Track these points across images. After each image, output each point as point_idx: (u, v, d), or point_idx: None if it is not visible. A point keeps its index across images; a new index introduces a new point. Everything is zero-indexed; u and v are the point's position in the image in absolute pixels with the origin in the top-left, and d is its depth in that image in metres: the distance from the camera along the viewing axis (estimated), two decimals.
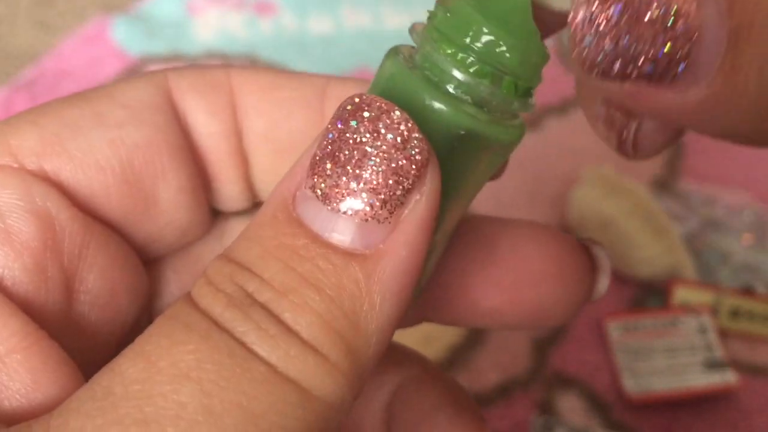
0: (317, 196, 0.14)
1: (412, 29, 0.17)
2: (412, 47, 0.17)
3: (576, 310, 0.19)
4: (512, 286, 0.18)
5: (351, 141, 0.14)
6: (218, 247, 0.20)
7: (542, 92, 0.61)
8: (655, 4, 0.13)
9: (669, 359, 0.38)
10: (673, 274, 0.42)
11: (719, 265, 0.43)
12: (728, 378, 0.38)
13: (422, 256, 0.15)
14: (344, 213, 0.14)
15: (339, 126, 0.14)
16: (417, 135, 0.14)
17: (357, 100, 0.14)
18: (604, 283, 0.19)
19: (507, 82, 0.16)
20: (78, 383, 0.16)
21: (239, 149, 0.19)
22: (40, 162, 0.17)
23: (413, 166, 0.14)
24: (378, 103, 0.14)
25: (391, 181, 0.14)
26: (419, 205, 0.14)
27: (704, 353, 0.39)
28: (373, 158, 0.14)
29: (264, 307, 0.14)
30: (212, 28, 0.58)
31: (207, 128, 0.18)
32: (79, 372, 0.16)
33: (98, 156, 0.17)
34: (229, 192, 0.19)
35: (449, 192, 0.16)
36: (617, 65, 0.14)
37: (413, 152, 0.14)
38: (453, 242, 0.18)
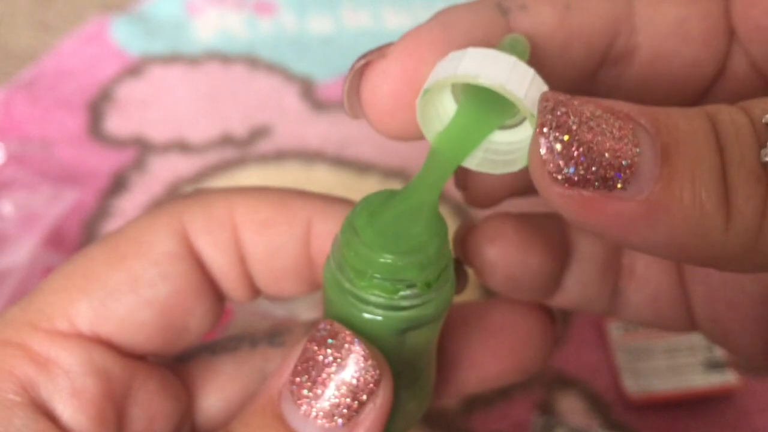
0: (294, 400, 0.19)
1: (334, 244, 0.20)
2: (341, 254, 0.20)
3: (550, 354, 0.25)
4: (510, 351, 0.23)
5: (320, 363, 0.19)
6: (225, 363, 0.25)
7: None
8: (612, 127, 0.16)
9: (669, 359, 0.38)
10: None
11: None
12: (728, 378, 0.38)
13: None
14: (313, 417, 0.18)
15: (314, 347, 0.19)
16: (371, 362, 0.18)
17: (329, 327, 0.19)
18: (560, 329, 0.25)
19: (420, 284, 0.19)
20: None
21: (244, 272, 0.23)
22: (94, 328, 0.21)
23: (367, 386, 0.18)
24: (342, 334, 0.19)
25: (348, 399, 0.18)
26: (371, 413, 0.19)
27: (704, 353, 0.39)
28: (335, 378, 0.18)
29: None
30: (212, 28, 0.58)
31: (217, 261, 0.22)
32: None
33: (139, 317, 0.21)
34: (237, 297, 0.23)
35: (417, 352, 0.21)
36: (580, 170, 0.16)
37: (367, 376, 0.18)
38: (449, 336, 0.22)
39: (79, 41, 0.56)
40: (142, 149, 0.49)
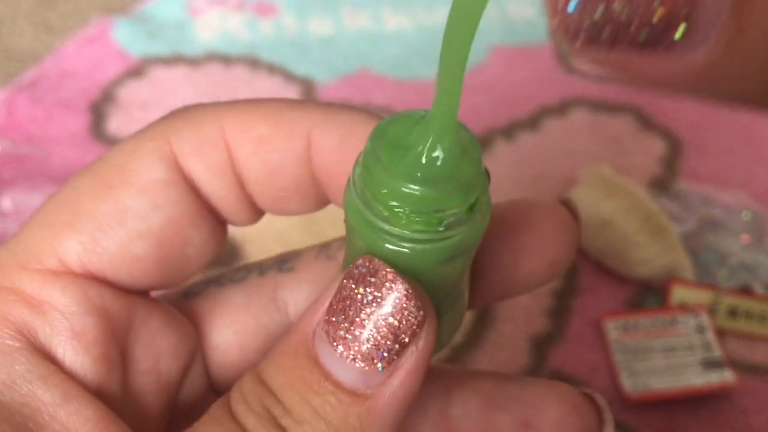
0: (330, 341, 0.17)
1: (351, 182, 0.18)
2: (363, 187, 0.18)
3: (575, 251, 0.22)
4: (536, 251, 0.21)
5: (358, 302, 0.17)
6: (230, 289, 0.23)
7: (540, 93, 0.61)
8: None
9: (667, 358, 0.39)
10: (672, 273, 0.42)
11: (717, 265, 0.43)
12: (726, 377, 0.38)
13: (416, 390, 0.18)
14: (350, 360, 0.17)
15: (351, 284, 0.17)
16: (414, 302, 0.17)
17: (368, 264, 0.17)
18: (580, 221, 0.22)
19: (464, 209, 0.18)
20: None
21: (243, 194, 0.21)
22: (85, 265, 0.20)
23: (410, 328, 0.17)
24: (383, 272, 0.17)
25: (389, 341, 0.17)
26: (413, 355, 0.17)
27: (702, 352, 0.39)
28: (374, 318, 0.17)
29: None
30: (213, 29, 0.58)
31: (212, 185, 0.21)
32: None
33: (132, 249, 0.20)
34: (238, 221, 0.22)
35: (458, 276, 0.19)
36: (606, 31, 0.13)
37: (410, 317, 0.17)
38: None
39: (81, 42, 0.56)
40: None
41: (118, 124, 0.51)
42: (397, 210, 0.17)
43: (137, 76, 0.54)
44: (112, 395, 0.19)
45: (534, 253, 0.21)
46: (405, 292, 0.17)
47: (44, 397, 0.18)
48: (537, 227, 0.21)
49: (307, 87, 0.54)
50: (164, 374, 0.21)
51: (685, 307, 0.41)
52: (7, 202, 0.45)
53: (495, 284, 0.21)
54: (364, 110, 0.21)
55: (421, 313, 0.17)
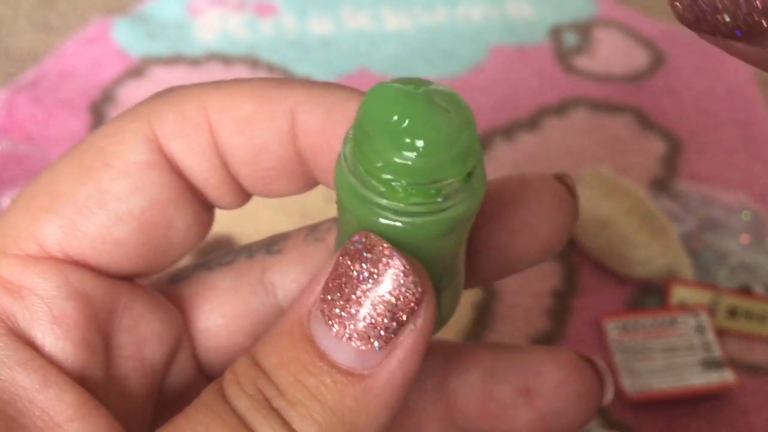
0: (325, 320, 0.17)
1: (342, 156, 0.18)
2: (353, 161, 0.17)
3: (572, 227, 0.21)
4: (530, 229, 0.21)
5: (354, 279, 0.17)
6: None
7: (540, 93, 0.61)
8: None
9: (667, 358, 0.39)
10: (671, 273, 0.42)
11: (717, 265, 0.43)
12: (726, 377, 0.38)
13: (416, 370, 0.17)
14: (346, 339, 0.17)
15: (347, 261, 0.17)
16: (412, 278, 0.16)
17: (364, 239, 0.17)
18: (576, 196, 0.22)
19: (462, 178, 0.17)
20: None
21: (228, 176, 0.21)
22: (64, 249, 0.19)
23: (408, 305, 0.17)
24: (380, 247, 0.17)
25: (386, 319, 0.16)
26: (412, 334, 0.17)
27: (702, 353, 0.39)
28: (371, 296, 0.17)
29: (278, 414, 0.17)
30: (213, 29, 0.58)
31: (196, 167, 0.20)
32: None
33: (113, 233, 0.19)
34: (224, 204, 0.21)
35: (456, 251, 0.18)
36: (704, 23, 0.14)
37: (408, 293, 0.17)
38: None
39: (81, 43, 0.56)
40: None
41: None
42: (393, 183, 0.17)
43: (137, 76, 0.54)
44: (94, 381, 0.19)
45: (528, 230, 0.21)
46: (402, 268, 0.16)
47: (24, 382, 0.18)
48: (531, 203, 0.21)
49: None
50: (148, 360, 0.21)
51: (685, 307, 0.41)
52: (7, 203, 0.45)
53: (491, 262, 0.21)
54: (349, 87, 0.20)
55: (419, 289, 0.17)
